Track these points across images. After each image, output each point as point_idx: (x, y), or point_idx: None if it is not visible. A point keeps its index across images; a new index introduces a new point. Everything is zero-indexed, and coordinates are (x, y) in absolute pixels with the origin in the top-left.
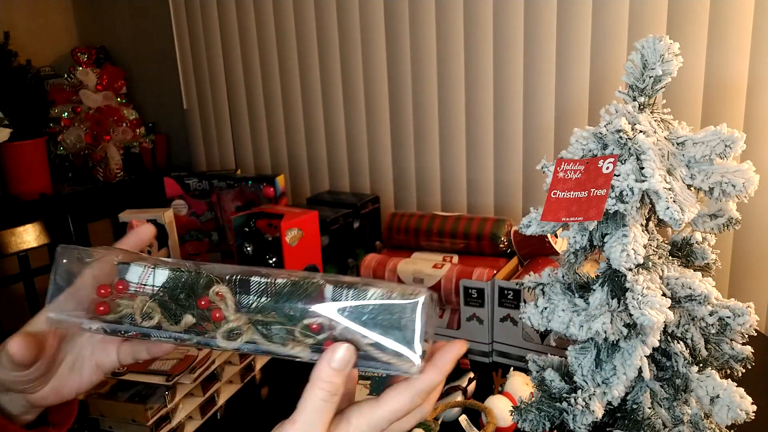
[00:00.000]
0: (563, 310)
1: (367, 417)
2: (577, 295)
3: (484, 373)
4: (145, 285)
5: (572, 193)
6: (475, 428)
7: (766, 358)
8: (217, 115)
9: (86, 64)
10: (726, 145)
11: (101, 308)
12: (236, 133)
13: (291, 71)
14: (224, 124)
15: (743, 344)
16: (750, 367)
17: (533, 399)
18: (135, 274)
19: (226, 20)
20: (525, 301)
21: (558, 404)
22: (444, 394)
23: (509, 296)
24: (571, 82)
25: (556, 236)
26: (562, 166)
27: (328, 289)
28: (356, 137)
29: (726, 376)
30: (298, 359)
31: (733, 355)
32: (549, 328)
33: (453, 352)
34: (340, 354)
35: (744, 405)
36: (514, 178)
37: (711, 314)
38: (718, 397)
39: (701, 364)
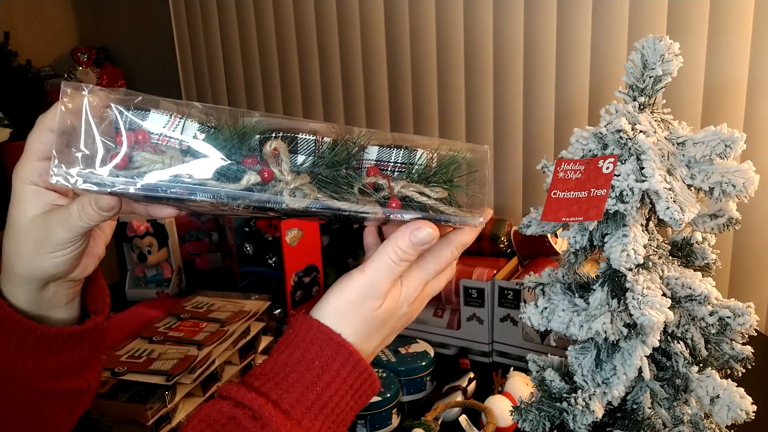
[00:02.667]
0: (563, 310)
1: (413, 277)
2: (577, 295)
3: (484, 373)
4: (170, 137)
5: (572, 193)
6: (475, 428)
7: (766, 358)
8: None
9: (86, 64)
10: (726, 145)
11: (120, 163)
12: None
13: (291, 71)
14: None
15: (743, 344)
16: (750, 367)
17: (533, 399)
18: (158, 122)
19: (226, 20)
20: (525, 301)
21: (558, 404)
22: (444, 394)
23: (509, 296)
24: (571, 82)
25: (556, 236)
26: (562, 166)
27: (373, 150)
28: None
29: (726, 376)
30: (370, 215)
31: (733, 355)
32: (549, 328)
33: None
34: (423, 234)
35: (744, 405)
36: (514, 178)
37: (711, 314)
38: (718, 397)
39: (701, 364)
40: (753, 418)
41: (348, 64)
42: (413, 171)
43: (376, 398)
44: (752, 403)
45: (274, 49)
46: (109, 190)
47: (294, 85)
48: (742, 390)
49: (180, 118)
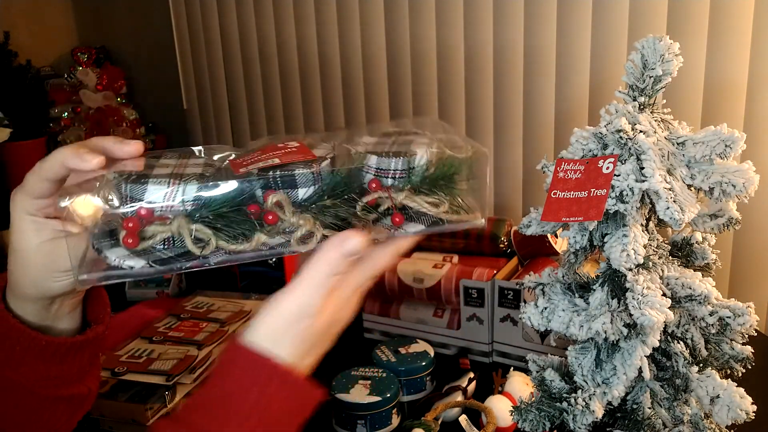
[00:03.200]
0: (563, 310)
1: (350, 281)
2: (577, 295)
3: (484, 373)
4: (173, 205)
5: (572, 193)
6: (475, 428)
7: (766, 358)
8: (217, 115)
9: (86, 64)
10: (726, 145)
11: (129, 240)
12: (236, 133)
13: (291, 71)
14: (224, 124)
15: (743, 344)
16: (750, 367)
17: (533, 399)
18: (157, 194)
19: (226, 20)
20: (525, 301)
21: (558, 404)
22: (444, 394)
23: (509, 296)
24: (571, 82)
25: (556, 236)
26: (562, 166)
27: (372, 160)
28: None
29: (726, 376)
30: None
31: (733, 355)
32: (549, 328)
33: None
34: (351, 245)
35: (744, 405)
36: (514, 178)
37: (711, 314)
38: (718, 397)
39: (701, 364)
40: (753, 418)
41: (348, 63)
42: (414, 177)
43: (376, 398)
44: (752, 403)
45: (274, 48)
46: (129, 270)
47: (294, 85)
48: (742, 390)
49: (178, 184)
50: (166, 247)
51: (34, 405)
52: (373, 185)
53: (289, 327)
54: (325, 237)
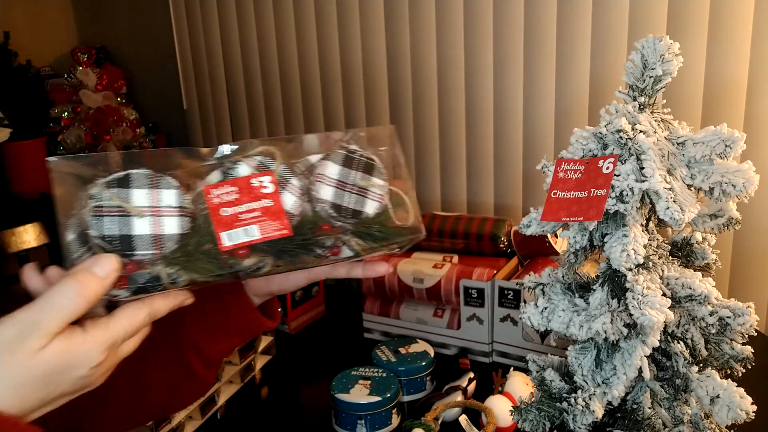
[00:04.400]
0: (563, 310)
1: (102, 328)
2: (577, 295)
3: (484, 373)
4: (159, 207)
5: (572, 193)
6: (475, 428)
7: (766, 358)
8: (217, 115)
9: (86, 64)
10: (726, 145)
11: (120, 283)
12: (236, 133)
13: (291, 71)
14: (224, 124)
15: (743, 344)
16: (750, 367)
17: (533, 399)
18: (142, 197)
19: (226, 20)
20: (525, 301)
21: (558, 404)
22: (444, 394)
23: (509, 296)
24: (571, 82)
25: (556, 236)
26: (562, 166)
27: (331, 211)
28: None
29: (726, 376)
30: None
31: (733, 355)
32: (549, 328)
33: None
34: (101, 268)
35: (744, 405)
36: (514, 178)
37: (711, 314)
38: (718, 397)
39: (701, 364)
40: (753, 418)
41: (348, 63)
42: (360, 228)
43: (376, 398)
44: (752, 403)
45: (274, 48)
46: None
47: (294, 85)
48: (742, 390)
49: (158, 190)
50: (150, 284)
51: (186, 374)
52: (325, 227)
53: (6, 346)
54: (277, 267)
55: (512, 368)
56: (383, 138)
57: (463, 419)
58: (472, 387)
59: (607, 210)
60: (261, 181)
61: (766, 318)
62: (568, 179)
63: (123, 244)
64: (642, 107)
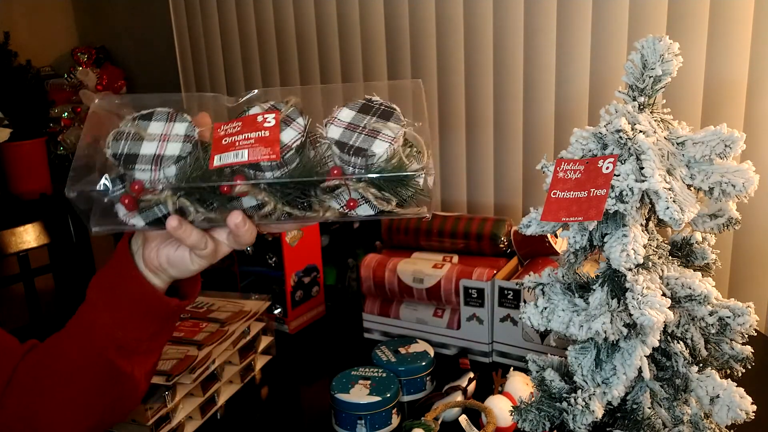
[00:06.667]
0: (563, 310)
1: None
2: (577, 295)
3: (484, 373)
4: (169, 135)
5: (572, 193)
6: (475, 428)
7: (766, 358)
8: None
9: (86, 64)
10: (726, 145)
11: (126, 202)
12: None
13: (291, 71)
14: None
15: (743, 344)
16: (750, 367)
17: (533, 399)
18: (158, 128)
19: (226, 20)
20: (525, 301)
21: (558, 404)
22: (444, 394)
23: (509, 296)
24: (571, 82)
25: (556, 236)
26: (562, 166)
27: (336, 150)
28: None
29: (726, 376)
30: (330, 218)
31: (733, 355)
32: (549, 328)
33: None
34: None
35: (744, 405)
36: (514, 178)
37: (711, 314)
38: (718, 397)
39: (701, 364)
40: (753, 418)
41: (348, 62)
42: (371, 172)
43: (376, 398)
44: (752, 403)
45: (274, 48)
46: (132, 227)
47: (294, 85)
48: (742, 390)
49: (172, 123)
50: (159, 210)
51: (112, 375)
52: (335, 172)
53: None
54: (287, 213)
55: (512, 368)
56: (407, 92)
57: (463, 419)
58: (472, 387)
59: (606, 210)
60: (265, 117)
61: (766, 318)
62: (568, 179)
63: (128, 160)
64: (642, 107)
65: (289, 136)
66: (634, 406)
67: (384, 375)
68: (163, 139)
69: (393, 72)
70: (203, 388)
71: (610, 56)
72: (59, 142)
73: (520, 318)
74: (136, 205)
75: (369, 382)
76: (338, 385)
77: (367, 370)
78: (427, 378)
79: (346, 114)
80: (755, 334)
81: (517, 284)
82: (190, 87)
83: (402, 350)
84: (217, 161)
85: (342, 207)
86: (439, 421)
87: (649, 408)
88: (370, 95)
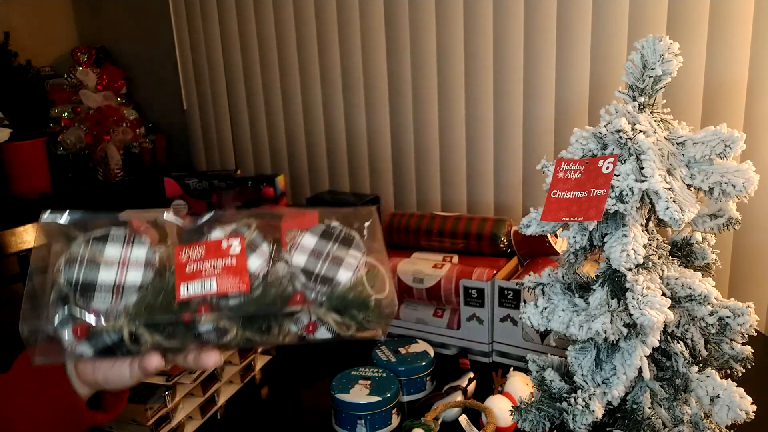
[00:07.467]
0: (563, 310)
1: None
2: (577, 295)
3: (484, 373)
4: (128, 259)
5: (572, 193)
6: (475, 428)
7: (766, 358)
8: (217, 115)
9: (86, 64)
10: (726, 145)
11: (78, 333)
12: (236, 133)
13: (291, 71)
14: (224, 124)
15: (743, 344)
16: (750, 367)
17: (533, 399)
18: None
19: (226, 20)
20: (525, 301)
21: (558, 404)
22: (444, 394)
23: (509, 296)
24: (571, 82)
25: (556, 236)
26: (562, 166)
27: (302, 277)
28: (356, 137)
29: (726, 376)
30: (287, 341)
31: (733, 355)
32: (549, 328)
33: None
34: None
35: (744, 405)
36: (514, 178)
37: (711, 314)
38: (718, 397)
39: (701, 364)
40: (753, 418)
41: (348, 63)
42: (333, 300)
43: (376, 398)
44: (752, 403)
45: (274, 48)
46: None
47: (294, 85)
48: (742, 390)
49: (130, 245)
50: (110, 339)
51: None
52: (298, 298)
53: None
54: (246, 339)
55: (512, 368)
56: (363, 217)
57: (463, 419)
58: (472, 387)
59: (606, 210)
60: (230, 243)
61: (766, 318)
62: (568, 179)
63: (85, 288)
64: (642, 107)
65: (256, 264)
66: (634, 406)
67: (384, 375)
68: (122, 264)
69: (393, 72)
70: (203, 388)
71: (610, 56)
72: (59, 142)
73: (520, 318)
74: (86, 333)
75: (369, 382)
76: (338, 385)
77: (367, 370)
78: (427, 378)
79: (309, 240)
80: (755, 334)
81: (517, 284)
82: (190, 87)
83: (402, 350)
84: (183, 292)
85: (300, 330)
86: (439, 421)
87: (649, 408)
88: (329, 220)
